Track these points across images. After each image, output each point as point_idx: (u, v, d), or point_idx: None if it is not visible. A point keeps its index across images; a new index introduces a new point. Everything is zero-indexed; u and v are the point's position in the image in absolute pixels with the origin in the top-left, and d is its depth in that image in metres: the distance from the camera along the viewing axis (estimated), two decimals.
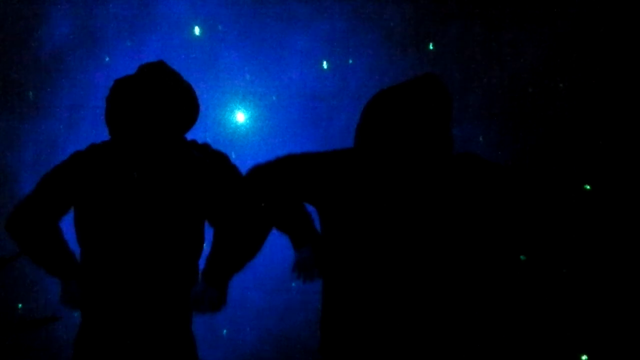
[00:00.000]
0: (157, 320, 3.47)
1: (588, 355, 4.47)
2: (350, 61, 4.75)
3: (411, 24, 4.66)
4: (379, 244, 2.90)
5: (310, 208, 3.27)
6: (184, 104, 3.40)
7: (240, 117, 4.82)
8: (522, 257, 4.50)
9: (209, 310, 3.40)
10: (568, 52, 4.49)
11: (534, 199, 2.99)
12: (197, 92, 3.52)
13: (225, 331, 4.97)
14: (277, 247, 4.85)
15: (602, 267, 4.42)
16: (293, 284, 4.89)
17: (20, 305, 5.14)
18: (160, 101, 3.34)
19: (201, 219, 3.49)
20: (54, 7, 5.03)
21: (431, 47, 4.62)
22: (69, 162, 3.45)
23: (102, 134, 3.51)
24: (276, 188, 3.08)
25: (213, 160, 3.48)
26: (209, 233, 3.54)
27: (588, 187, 4.38)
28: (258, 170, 3.14)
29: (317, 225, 3.19)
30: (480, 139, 4.52)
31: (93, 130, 3.55)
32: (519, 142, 4.52)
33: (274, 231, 4.79)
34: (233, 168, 3.53)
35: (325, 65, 4.77)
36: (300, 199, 3.10)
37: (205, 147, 3.54)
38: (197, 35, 4.89)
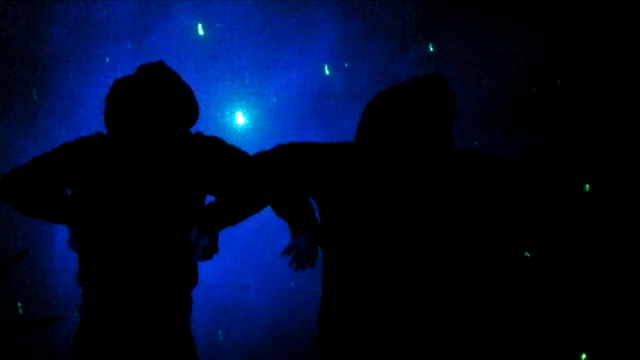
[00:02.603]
0: (156, 318, 3.47)
1: (587, 354, 4.47)
2: (351, 64, 4.74)
3: (411, 25, 4.67)
4: (379, 239, 2.91)
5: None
6: (182, 105, 3.41)
7: (240, 118, 4.83)
8: (526, 253, 4.50)
9: (201, 258, 3.37)
10: (568, 52, 4.49)
11: (537, 192, 2.99)
12: (198, 93, 3.53)
13: (220, 332, 4.97)
14: (276, 248, 4.87)
15: (604, 265, 4.42)
16: (292, 283, 4.90)
17: (20, 305, 5.14)
18: (159, 102, 3.35)
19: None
20: (55, 8, 5.03)
21: (431, 49, 4.62)
22: (74, 144, 3.44)
23: None
24: (277, 174, 3.08)
25: (207, 144, 3.48)
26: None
27: (587, 187, 4.38)
28: (261, 155, 3.15)
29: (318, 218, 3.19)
30: (475, 143, 4.52)
31: (93, 130, 3.56)
32: (518, 143, 4.52)
33: (273, 232, 4.82)
34: (231, 147, 3.53)
35: (326, 66, 4.78)
36: (300, 189, 3.09)
37: (198, 135, 3.54)
38: (198, 36, 4.89)
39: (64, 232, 4.66)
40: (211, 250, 3.36)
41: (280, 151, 3.08)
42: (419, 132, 2.91)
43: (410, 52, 4.66)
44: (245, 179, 3.16)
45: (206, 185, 3.47)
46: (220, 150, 3.49)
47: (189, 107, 3.44)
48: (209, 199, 3.46)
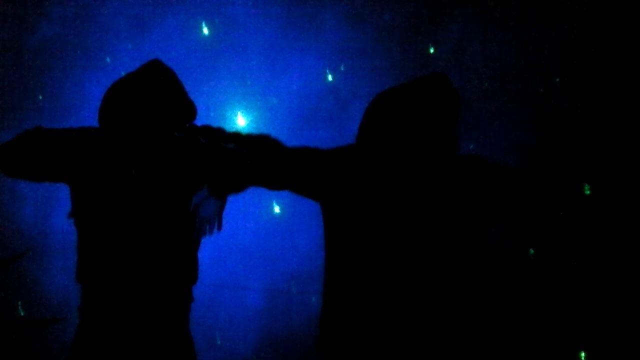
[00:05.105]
0: (156, 316, 3.46)
1: (587, 353, 4.48)
2: (352, 65, 4.74)
3: (411, 26, 4.67)
4: (381, 242, 2.90)
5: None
6: (172, 101, 3.41)
7: (241, 119, 4.83)
8: (531, 251, 4.50)
9: (205, 218, 3.37)
10: (569, 53, 4.49)
11: (540, 206, 2.97)
12: (198, 94, 3.52)
13: (220, 332, 4.98)
14: (276, 248, 4.87)
15: (605, 264, 4.43)
16: (292, 283, 4.90)
17: (19, 304, 5.14)
18: (145, 98, 3.35)
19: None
20: (55, 8, 5.03)
21: (432, 51, 4.62)
22: (77, 130, 3.46)
23: None
24: (286, 178, 3.07)
25: (200, 134, 3.49)
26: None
27: (587, 189, 4.38)
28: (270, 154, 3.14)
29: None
30: (471, 147, 4.52)
31: None
32: (520, 144, 4.52)
33: (273, 233, 4.82)
34: (229, 133, 3.54)
35: (327, 67, 4.78)
36: (302, 193, 3.09)
37: (190, 127, 3.54)
38: (199, 36, 4.89)
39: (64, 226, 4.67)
40: (216, 213, 3.36)
41: (291, 154, 3.07)
42: (423, 132, 2.89)
43: (411, 53, 4.66)
44: (244, 167, 3.16)
45: (203, 175, 3.46)
46: (215, 136, 3.50)
47: (179, 103, 3.44)
48: None
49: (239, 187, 3.36)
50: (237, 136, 3.51)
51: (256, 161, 3.11)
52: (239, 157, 3.27)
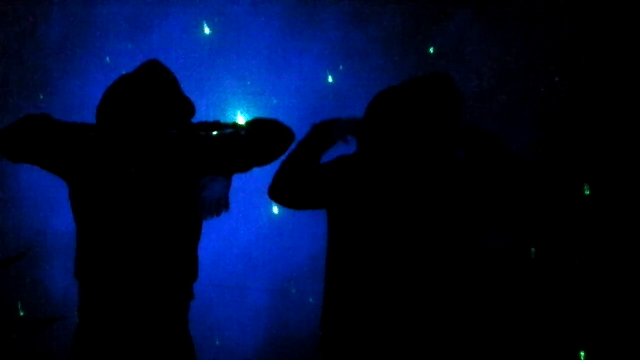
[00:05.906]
0: (156, 315, 3.46)
1: (587, 353, 4.47)
2: (352, 65, 4.74)
3: (411, 25, 4.66)
4: (382, 243, 2.90)
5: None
6: (171, 100, 3.41)
7: (241, 120, 4.82)
8: (532, 250, 4.50)
9: (212, 196, 3.38)
10: (569, 53, 4.49)
11: (541, 201, 2.96)
12: (198, 94, 3.53)
13: (220, 333, 4.97)
14: (276, 248, 4.87)
15: (606, 264, 4.43)
16: (292, 283, 4.89)
17: (19, 304, 5.14)
18: (146, 98, 3.36)
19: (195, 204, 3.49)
20: (55, 8, 5.03)
21: (431, 51, 4.62)
22: (82, 125, 3.48)
23: None
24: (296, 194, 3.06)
25: (198, 129, 3.50)
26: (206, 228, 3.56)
27: (587, 189, 4.38)
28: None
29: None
30: None
31: None
32: (520, 144, 4.52)
33: (274, 233, 4.81)
34: (227, 123, 3.56)
35: (327, 67, 4.77)
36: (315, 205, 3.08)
37: (188, 125, 3.55)
38: (199, 36, 4.89)
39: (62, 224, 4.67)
40: (223, 190, 3.37)
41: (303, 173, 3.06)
42: (424, 131, 2.89)
43: (411, 53, 4.66)
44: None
45: (204, 163, 3.47)
46: (211, 128, 3.51)
47: (176, 102, 3.44)
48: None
49: (243, 166, 3.38)
50: (234, 125, 3.53)
51: (254, 140, 3.12)
52: (238, 137, 3.29)
